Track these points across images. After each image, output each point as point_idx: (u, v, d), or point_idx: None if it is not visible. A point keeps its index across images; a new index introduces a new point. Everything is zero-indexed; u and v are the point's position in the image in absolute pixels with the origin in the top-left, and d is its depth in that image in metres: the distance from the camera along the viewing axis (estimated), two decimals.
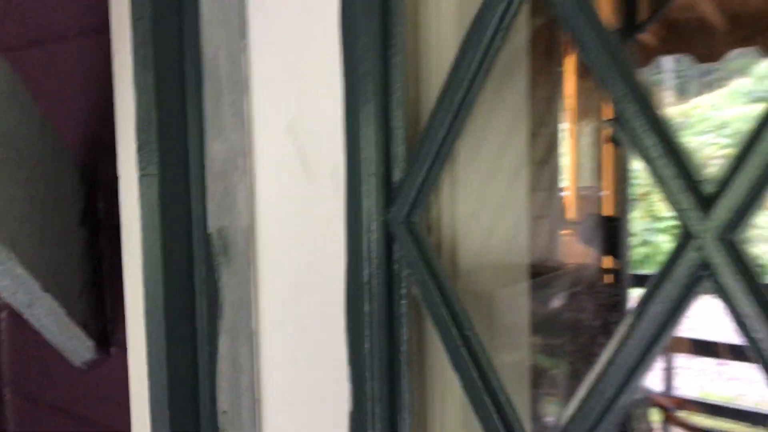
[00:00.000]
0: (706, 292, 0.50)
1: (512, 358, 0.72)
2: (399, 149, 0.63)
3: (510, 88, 0.69)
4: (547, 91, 2.87)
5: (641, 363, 0.53)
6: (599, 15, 0.52)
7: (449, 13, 0.67)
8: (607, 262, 3.18)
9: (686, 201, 0.48)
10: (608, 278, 3.15)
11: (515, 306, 0.75)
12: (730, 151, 0.47)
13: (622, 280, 3.20)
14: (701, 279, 0.49)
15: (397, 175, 0.63)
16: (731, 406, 3.98)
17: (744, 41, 4.03)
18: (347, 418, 0.68)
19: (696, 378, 5.63)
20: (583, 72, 3.24)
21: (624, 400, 0.54)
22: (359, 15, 0.64)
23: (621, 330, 0.56)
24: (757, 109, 0.62)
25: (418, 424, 0.68)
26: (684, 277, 0.50)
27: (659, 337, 0.51)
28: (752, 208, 0.47)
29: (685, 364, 5.17)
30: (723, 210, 0.47)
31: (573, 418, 0.55)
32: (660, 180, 0.49)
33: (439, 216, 0.66)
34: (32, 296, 0.71)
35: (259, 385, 0.74)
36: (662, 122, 0.50)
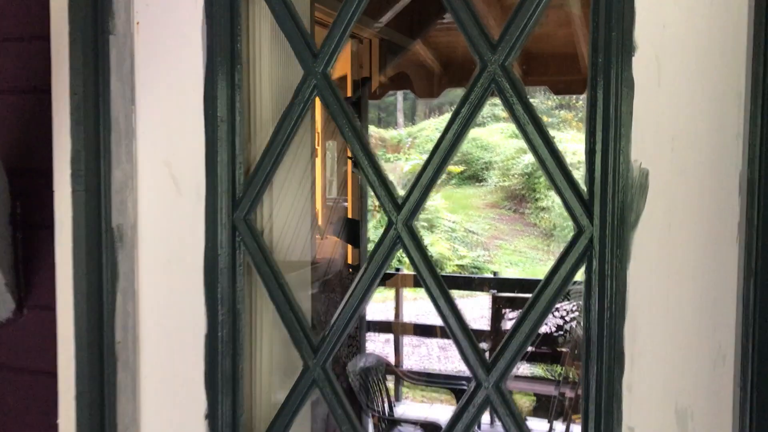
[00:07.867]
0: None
1: (300, 295, 1.22)
2: (240, 175, 1.09)
3: (302, 140, 1.19)
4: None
5: (366, 294, 1.05)
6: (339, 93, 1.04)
7: (266, 96, 1.15)
8: (352, 253, 4.06)
9: (389, 203, 1.02)
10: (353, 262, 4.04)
11: (302, 271, 1.25)
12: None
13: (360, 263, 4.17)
14: (397, 246, 1.03)
15: (239, 191, 1.09)
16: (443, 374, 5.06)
17: (455, 81, 5.02)
18: (203, 339, 1.12)
19: (418, 353, 6.81)
20: None
21: (358, 314, 1.07)
22: (217, 89, 1.08)
23: (357, 277, 1.09)
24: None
25: (250, 340, 1.15)
26: (387, 246, 1.03)
27: (375, 280, 1.05)
28: (419, 208, 1.02)
29: (411, 343, 6.35)
30: (406, 209, 1.02)
31: (333, 324, 1.06)
32: (375, 191, 1.03)
33: (263, 216, 1.14)
34: None
35: (139, 326, 1.15)
36: (373, 155, 1.03)
